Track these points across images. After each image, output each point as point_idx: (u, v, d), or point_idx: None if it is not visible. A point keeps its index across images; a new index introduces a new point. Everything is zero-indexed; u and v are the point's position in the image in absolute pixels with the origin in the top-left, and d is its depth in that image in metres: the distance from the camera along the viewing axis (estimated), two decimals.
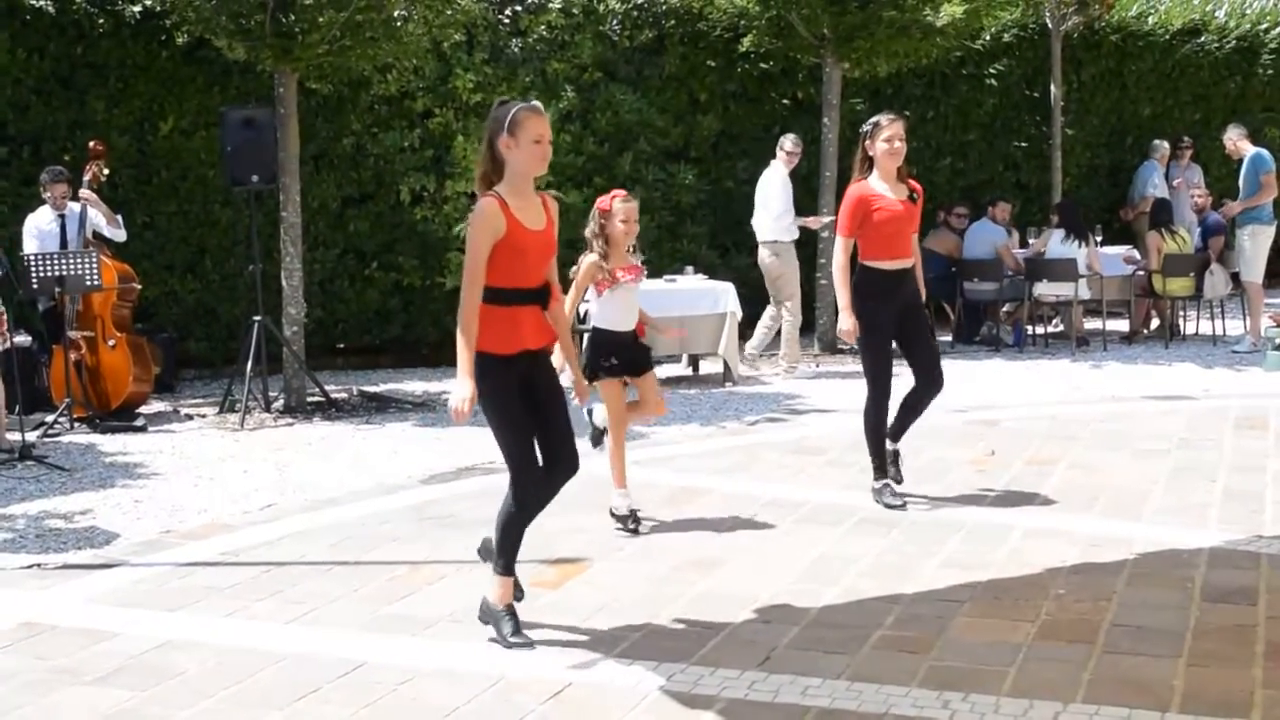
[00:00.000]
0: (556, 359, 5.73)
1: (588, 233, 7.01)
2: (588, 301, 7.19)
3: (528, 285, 5.25)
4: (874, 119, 7.42)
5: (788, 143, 12.83)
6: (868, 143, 7.38)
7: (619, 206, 6.96)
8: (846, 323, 7.33)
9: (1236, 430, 9.38)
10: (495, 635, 5.36)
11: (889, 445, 7.55)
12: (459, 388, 5.06)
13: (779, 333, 12.91)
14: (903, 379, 7.46)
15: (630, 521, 7.01)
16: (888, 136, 7.32)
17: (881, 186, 7.39)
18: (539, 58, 13.75)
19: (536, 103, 5.34)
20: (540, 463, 5.28)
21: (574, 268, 6.98)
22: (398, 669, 5.13)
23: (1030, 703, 4.64)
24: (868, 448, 7.51)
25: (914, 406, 7.56)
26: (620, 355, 6.99)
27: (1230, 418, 9.81)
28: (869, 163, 7.42)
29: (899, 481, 7.53)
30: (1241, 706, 4.59)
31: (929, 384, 7.44)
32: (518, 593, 5.54)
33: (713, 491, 7.89)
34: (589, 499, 7.01)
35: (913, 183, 7.57)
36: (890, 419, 7.52)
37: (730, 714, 4.65)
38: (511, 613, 5.39)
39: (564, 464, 5.35)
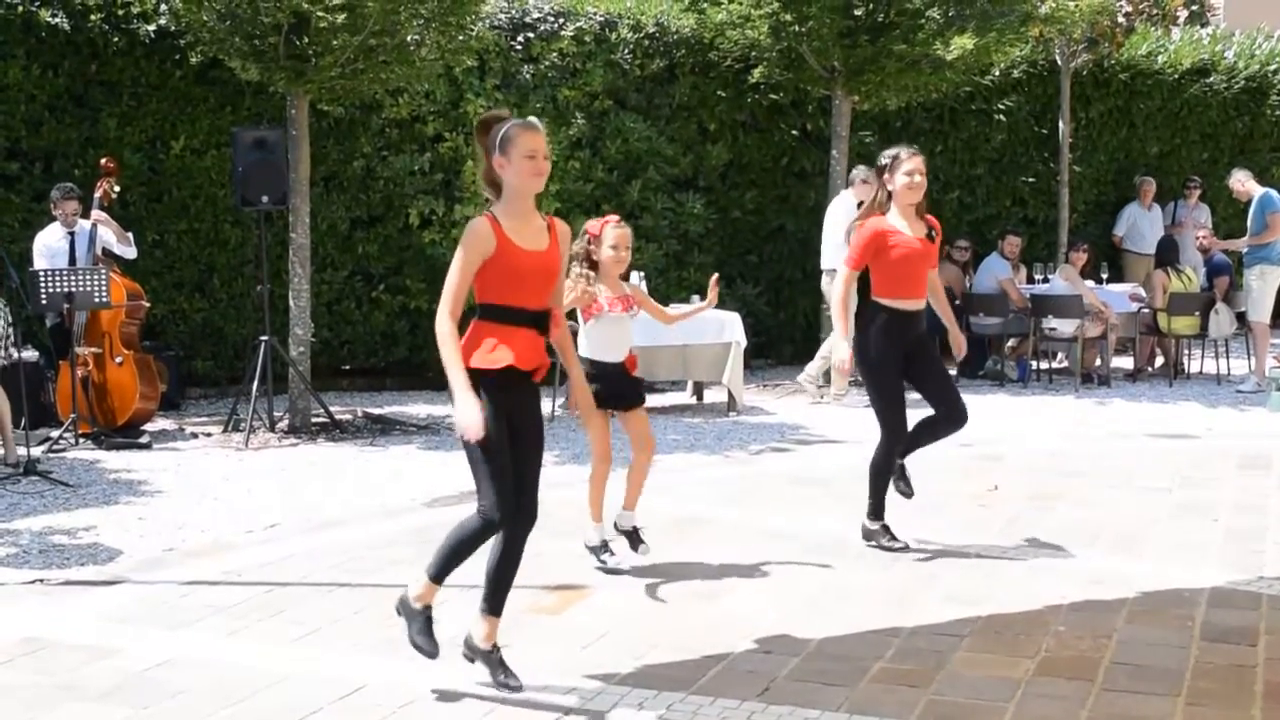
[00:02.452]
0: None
1: (570, 252, 6.53)
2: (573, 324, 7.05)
3: (526, 306, 5.05)
4: (893, 151, 7.10)
5: (860, 174, 12.81)
6: (886, 176, 7.08)
7: (610, 232, 6.71)
8: (844, 351, 7.16)
9: (1239, 470, 9.39)
10: (409, 634, 5.22)
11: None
12: (464, 407, 4.82)
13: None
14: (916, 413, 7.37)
15: (603, 551, 6.87)
16: (908, 170, 7.02)
17: (899, 222, 7.10)
18: (550, 84, 13.81)
19: (532, 118, 5.16)
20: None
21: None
22: (398, 691, 5.13)
23: None
24: (869, 486, 7.29)
25: (931, 431, 7.29)
26: (605, 386, 6.63)
27: (1233, 457, 9.82)
28: (887, 197, 7.14)
29: (909, 496, 7.38)
30: None
31: (951, 418, 7.17)
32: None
33: (715, 521, 7.90)
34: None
35: (931, 219, 7.27)
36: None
37: None
38: (427, 616, 5.24)
39: (524, 514, 5.16)
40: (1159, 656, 5.51)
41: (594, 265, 6.76)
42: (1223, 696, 5.07)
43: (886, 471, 7.27)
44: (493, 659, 5.18)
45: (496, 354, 5.00)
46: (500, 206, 5.07)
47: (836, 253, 12.43)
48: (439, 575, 5.22)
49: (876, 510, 7.30)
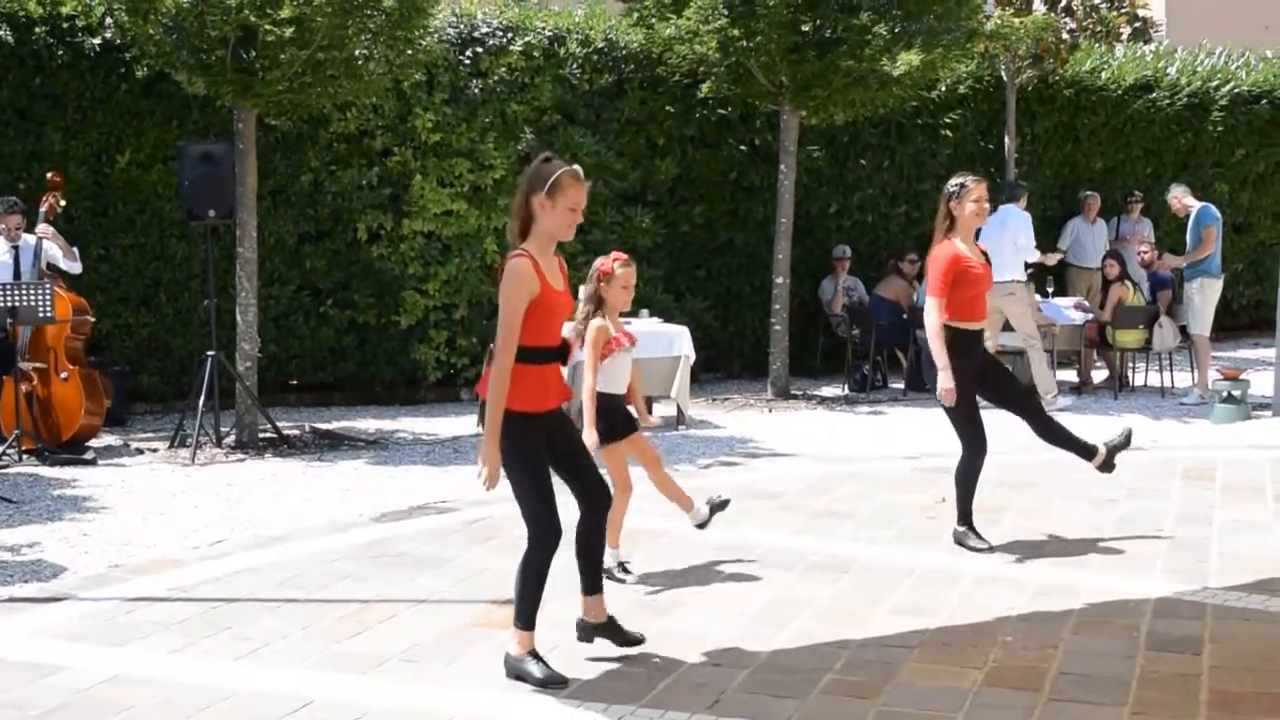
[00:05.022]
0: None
1: (583, 293, 6.81)
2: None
3: (553, 344, 5.33)
4: (959, 180, 7.48)
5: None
6: (954, 204, 7.43)
7: (621, 271, 6.75)
8: (948, 382, 7.40)
9: (1184, 481, 9.48)
10: (529, 683, 5.36)
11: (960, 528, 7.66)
12: (494, 455, 5.12)
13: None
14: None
15: (618, 570, 6.95)
16: (976, 198, 7.42)
17: (964, 247, 7.48)
18: (499, 99, 13.80)
19: (579, 169, 5.33)
20: (578, 508, 5.56)
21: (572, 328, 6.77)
22: (347, 707, 5.11)
23: None
24: (957, 496, 7.59)
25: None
26: (618, 419, 6.83)
27: (1178, 469, 9.91)
28: (950, 223, 7.47)
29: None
30: None
31: (1037, 427, 7.75)
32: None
33: (665, 534, 7.90)
34: None
35: (980, 245, 7.70)
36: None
37: None
38: (536, 656, 5.42)
39: (602, 501, 5.57)
40: (1105, 666, 5.56)
41: (601, 302, 6.80)
42: (1169, 705, 5.12)
43: (972, 480, 7.59)
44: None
45: (543, 399, 5.30)
46: (532, 245, 5.27)
47: (1006, 267, 12.77)
48: (527, 623, 5.44)
49: (966, 515, 7.61)
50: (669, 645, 5.85)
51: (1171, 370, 14.75)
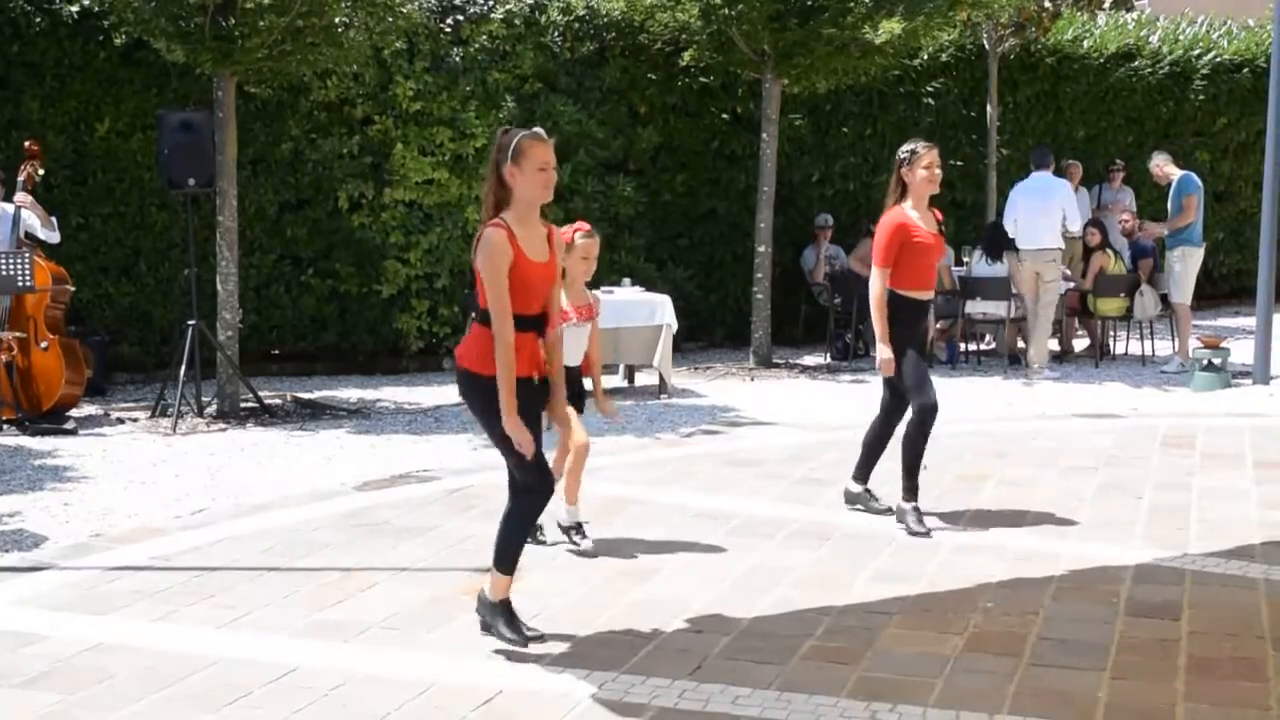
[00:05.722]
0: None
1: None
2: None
3: (527, 312, 5.27)
4: (910, 146, 7.32)
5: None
6: (905, 170, 7.26)
7: (581, 242, 6.76)
8: (886, 353, 7.22)
9: (1164, 449, 9.52)
10: (494, 636, 5.44)
11: (855, 487, 7.64)
12: (518, 431, 5.12)
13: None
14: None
15: (575, 532, 6.90)
16: (928, 164, 7.24)
17: (915, 215, 7.30)
18: (480, 67, 13.75)
19: (539, 130, 5.34)
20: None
21: None
22: (329, 674, 5.12)
23: (957, 713, 4.71)
24: (902, 466, 7.38)
25: (883, 441, 7.60)
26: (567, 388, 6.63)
27: (1158, 436, 9.95)
28: (902, 190, 7.31)
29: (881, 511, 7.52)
30: (1163, 718, 4.67)
31: (913, 410, 7.39)
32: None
33: (647, 502, 7.92)
34: None
35: (936, 213, 7.49)
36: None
37: None
38: (509, 610, 5.47)
39: (536, 487, 5.42)
40: (1085, 632, 5.59)
41: (560, 273, 6.70)
42: (1147, 670, 5.16)
43: (919, 443, 7.36)
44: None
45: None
46: (510, 215, 5.24)
47: (1048, 235, 13.22)
48: (508, 566, 5.46)
49: (912, 490, 7.40)
50: (650, 612, 5.86)
51: (1152, 338, 14.80)
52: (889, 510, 7.48)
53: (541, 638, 5.46)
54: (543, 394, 5.49)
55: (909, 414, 7.40)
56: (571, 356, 6.83)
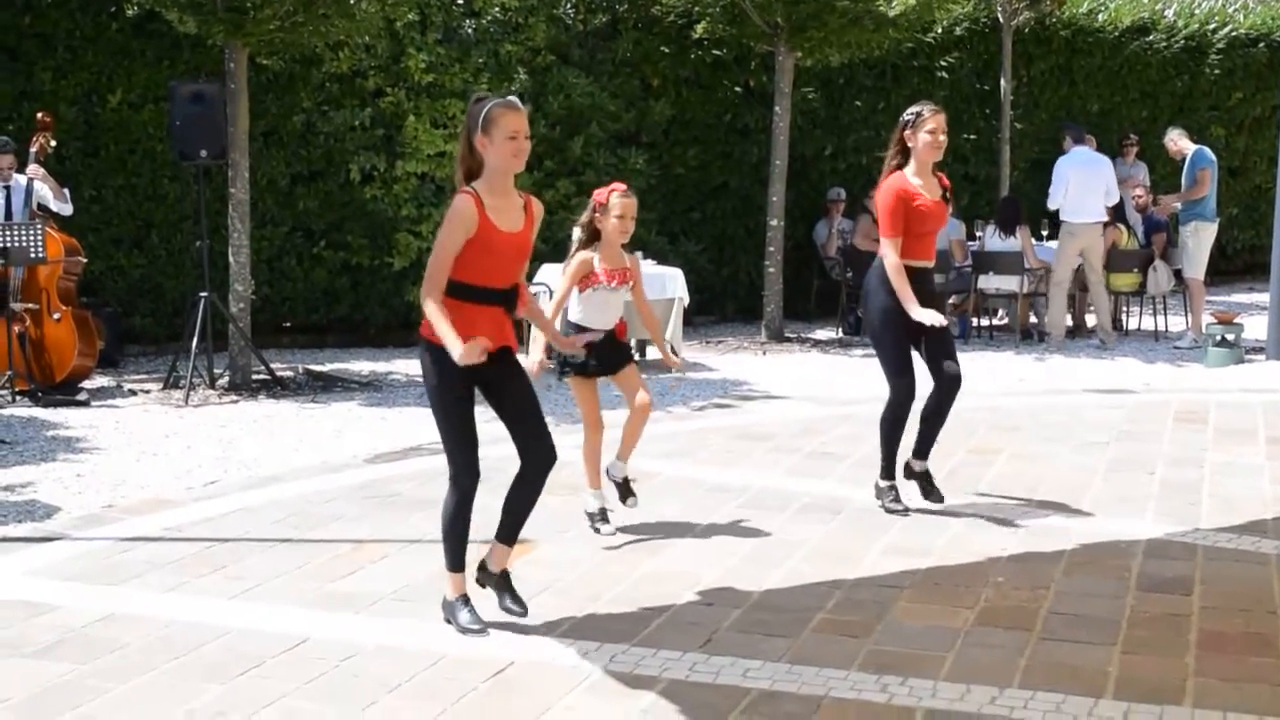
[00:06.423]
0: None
1: (578, 224, 6.66)
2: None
3: (494, 285, 5.13)
4: (915, 109, 6.98)
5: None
6: (907, 133, 6.96)
7: (616, 201, 6.53)
8: (923, 315, 6.82)
9: (1176, 424, 9.50)
10: (454, 625, 5.34)
11: (917, 465, 7.22)
12: (455, 346, 4.86)
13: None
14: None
15: (599, 519, 6.78)
16: (931, 129, 6.91)
17: (918, 181, 7.01)
18: (492, 39, 13.71)
19: (513, 98, 5.20)
20: (515, 461, 5.36)
21: (564, 263, 6.71)
22: (340, 645, 5.13)
23: (967, 687, 4.70)
24: (881, 445, 7.19)
25: (937, 413, 7.16)
26: (595, 354, 6.56)
27: (1170, 412, 9.93)
28: (904, 155, 7.03)
29: (940, 500, 7.16)
30: (1174, 693, 4.67)
31: (947, 384, 7.06)
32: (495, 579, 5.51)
33: (658, 475, 7.91)
34: None
35: (943, 178, 7.19)
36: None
37: (671, 695, 4.67)
38: (466, 600, 5.36)
39: (540, 457, 5.31)
40: (1096, 606, 5.58)
41: (596, 234, 6.61)
42: (1158, 645, 5.15)
43: (898, 425, 7.12)
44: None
45: (462, 335, 4.95)
46: (482, 184, 5.13)
47: (1093, 209, 13.43)
48: (454, 565, 5.38)
49: (889, 469, 7.21)
50: (661, 584, 5.87)
51: (1165, 314, 14.77)
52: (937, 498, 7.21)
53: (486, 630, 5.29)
54: (512, 370, 5.29)
55: (932, 386, 7.14)
56: (604, 319, 6.69)
